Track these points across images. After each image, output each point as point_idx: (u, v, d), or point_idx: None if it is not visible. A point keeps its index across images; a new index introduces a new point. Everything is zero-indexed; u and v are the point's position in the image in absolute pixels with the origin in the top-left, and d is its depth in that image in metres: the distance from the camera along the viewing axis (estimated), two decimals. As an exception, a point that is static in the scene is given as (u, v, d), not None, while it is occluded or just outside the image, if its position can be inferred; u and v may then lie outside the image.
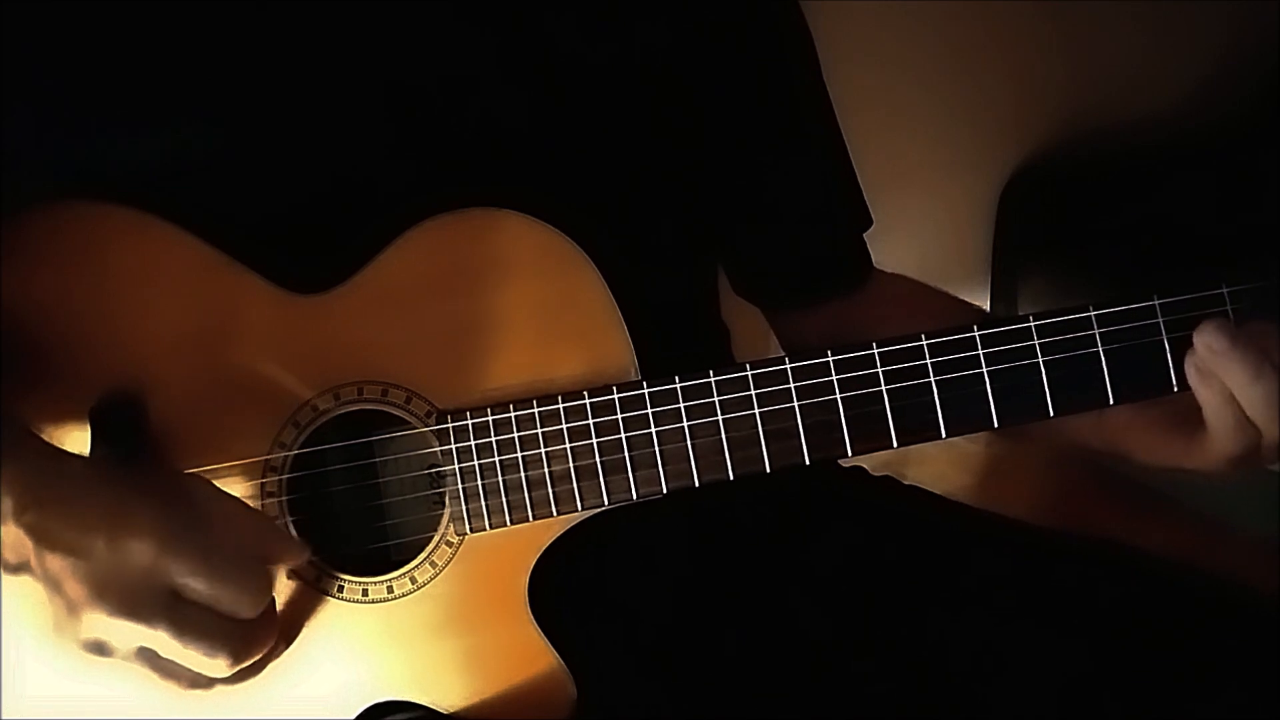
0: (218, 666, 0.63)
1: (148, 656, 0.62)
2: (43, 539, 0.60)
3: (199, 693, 0.65)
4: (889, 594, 0.81)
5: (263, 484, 0.70)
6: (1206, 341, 0.66)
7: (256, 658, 0.66)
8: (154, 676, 0.63)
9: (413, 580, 0.70)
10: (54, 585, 0.60)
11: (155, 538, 0.61)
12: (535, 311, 0.69)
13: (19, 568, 0.60)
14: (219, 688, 0.66)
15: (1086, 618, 0.77)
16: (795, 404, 0.68)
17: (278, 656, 0.69)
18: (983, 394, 0.67)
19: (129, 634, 0.61)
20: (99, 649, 0.61)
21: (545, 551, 0.70)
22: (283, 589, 0.69)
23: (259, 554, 0.65)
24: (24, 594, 0.61)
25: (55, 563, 0.60)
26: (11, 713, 0.68)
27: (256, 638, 0.66)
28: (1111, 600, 0.77)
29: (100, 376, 0.68)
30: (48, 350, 0.68)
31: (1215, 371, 0.66)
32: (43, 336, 0.68)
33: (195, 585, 0.62)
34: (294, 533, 0.69)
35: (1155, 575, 0.79)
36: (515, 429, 0.69)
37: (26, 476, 0.60)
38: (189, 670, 0.63)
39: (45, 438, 0.65)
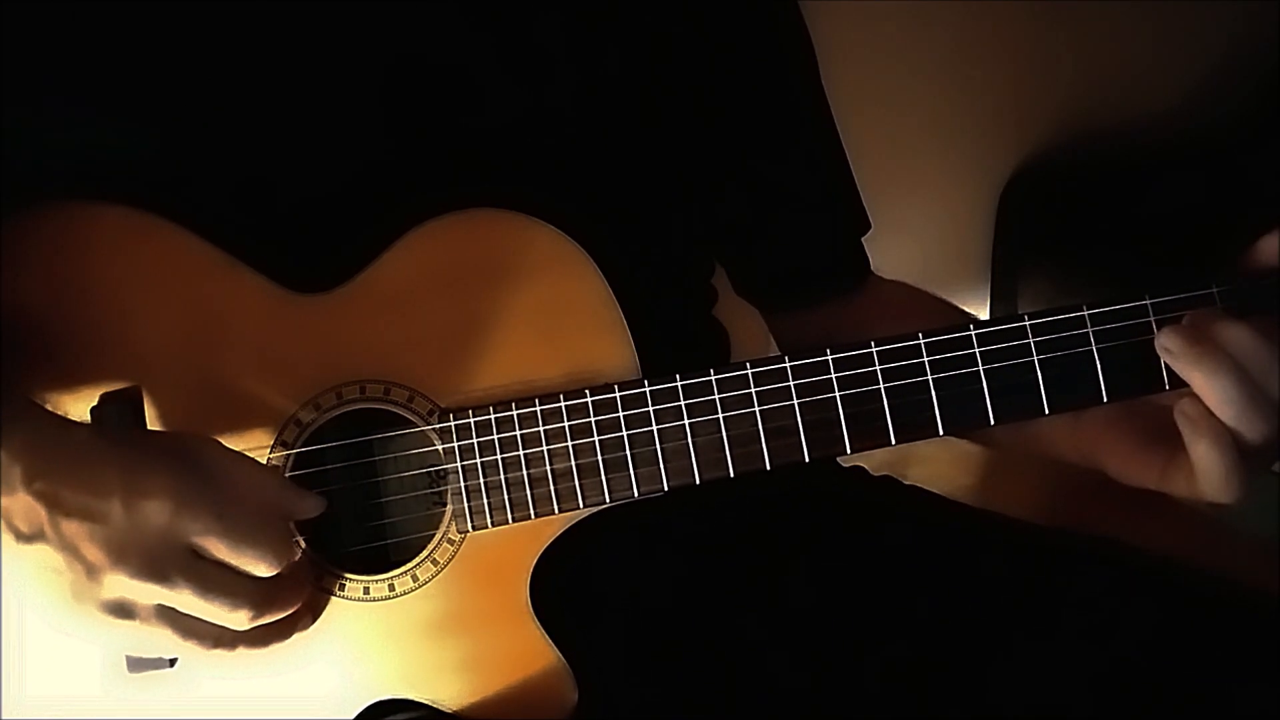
0: (239, 619, 0.63)
1: (168, 615, 0.62)
2: (56, 505, 0.60)
3: (220, 654, 0.64)
4: (889, 594, 0.81)
5: (265, 482, 0.69)
6: (1164, 344, 0.66)
7: (281, 614, 0.66)
8: (175, 637, 0.63)
9: (414, 578, 0.70)
10: (71, 551, 0.60)
11: (171, 497, 0.61)
12: (537, 311, 0.70)
13: (33, 536, 0.60)
14: (235, 657, 0.65)
15: (1087, 618, 0.77)
16: (795, 402, 0.68)
17: (305, 628, 0.69)
18: (979, 392, 0.68)
19: (150, 593, 0.61)
20: (121, 610, 0.61)
21: (547, 550, 0.70)
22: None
23: (274, 509, 0.65)
24: (28, 572, 0.61)
25: (71, 528, 0.60)
26: (11, 713, 0.68)
27: (280, 594, 0.65)
28: (1112, 600, 0.77)
29: (101, 376, 0.68)
30: (48, 351, 0.68)
31: (1179, 374, 0.66)
32: (43, 337, 0.68)
33: (214, 543, 0.62)
34: (295, 531, 0.69)
35: (1155, 575, 0.79)
36: (517, 427, 0.69)
37: (34, 445, 0.60)
38: (211, 627, 0.63)
39: None
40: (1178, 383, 0.67)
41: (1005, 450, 0.94)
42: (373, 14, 0.72)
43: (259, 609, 0.64)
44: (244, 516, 0.63)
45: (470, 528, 0.70)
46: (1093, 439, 0.73)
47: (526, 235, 0.69)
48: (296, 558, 0.68)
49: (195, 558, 0.62)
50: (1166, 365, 0.67)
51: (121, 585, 0.61)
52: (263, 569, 0.64)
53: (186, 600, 0.62)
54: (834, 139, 0.87)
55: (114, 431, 0.67)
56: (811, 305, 0.88)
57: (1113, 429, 0.72)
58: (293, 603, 0.67)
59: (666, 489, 0.69)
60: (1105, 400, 0.68)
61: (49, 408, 0.65)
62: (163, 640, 0.63)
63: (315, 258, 0.70)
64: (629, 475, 0.69)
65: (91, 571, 0.60)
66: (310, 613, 0.69)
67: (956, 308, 0.90)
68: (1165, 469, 0.69)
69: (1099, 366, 0.67)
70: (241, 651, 0.65)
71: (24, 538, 0.60)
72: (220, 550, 0.62)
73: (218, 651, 0.64)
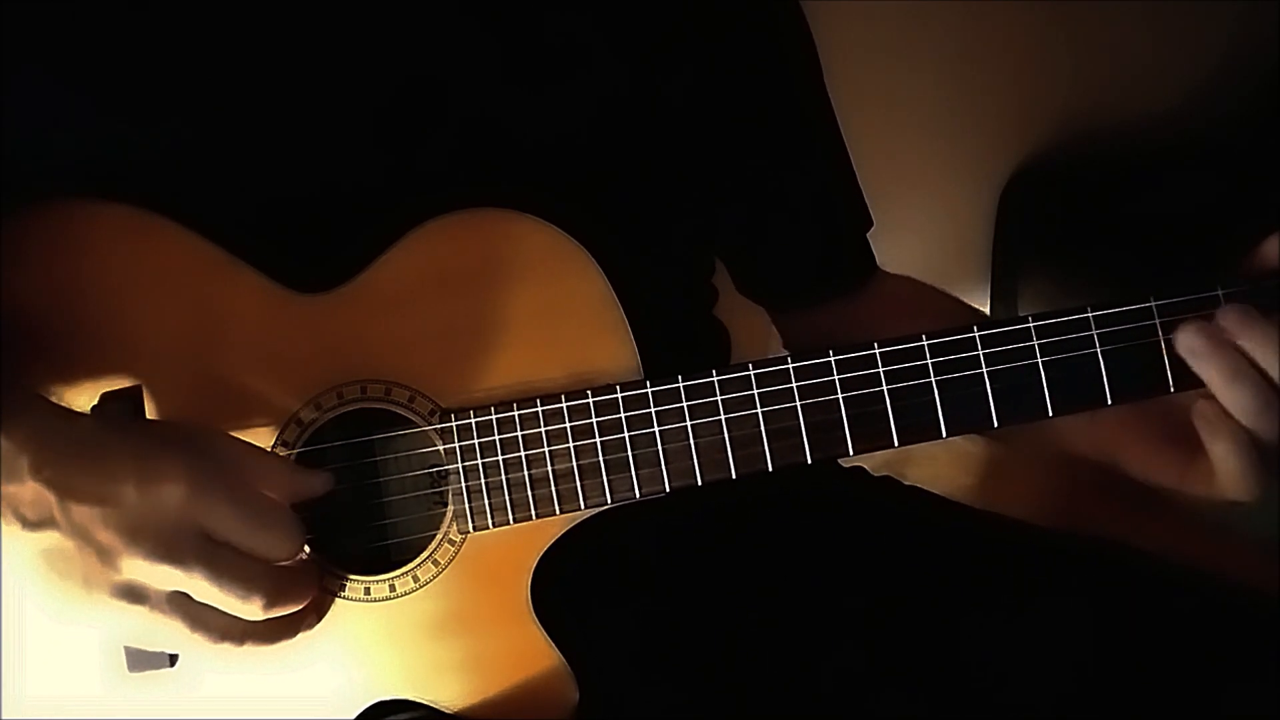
0: (252, 609, 0.63)
1: (180, 603, 0.62)
2: (65, 491, 0.59)
3: (226, 649, 0.64)
4: (889, 594, 0.81)
5: (266, 482, 0.69)
6: (1185, 344, 0.66)
7: (293, 607, 0.65)
8: (183, 626, 0.62)
9: (415, 579, 0.70)
10: (83, 535, 0.60)
11: (185, 481, 0.61)
12: (539, 311, 0.69)
13: (40, 523, 0.60)
14: (236, 655, 0.65)
15: (1087, 618, 0.77)
16: (797, 403, 0.68)
17: (310, 627, 0.68)
18: (983, 394, 0.68)
19: (164, 577, 0.61)
20: (132, 594, 0.61)
21: (548, 551, 0.70)
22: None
23: (284, 493, 0.65)
24: (35, 560, 0.61)
25: (82, 513, 0.60)
26: (11, 713, 0.68)
27: (292, 585, 0.65)
28: (1112, 600, 0.77)
29: (101, 375, 0.68)
30: (47, 350, 0.68)
31: (1197, 374, 0.66)
32: (44, 335, 0.68)
33: (227, 527, 0.62)
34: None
35: (1155, 575, 0.79)
36: (519, 427, 0.69)
37: (40, 434, 0.60)
38: (220, 618, 0.63)
39: None
40: (1182, 385, 0.67)
41: (1017, 446, 0.94)
42: (375, 14, 0.72)
43: (271, 598, 0.63)
44: (256, 501, 0.63)
45: (471, 528, 0.70)
46: (1111, 437, 0.73)
47: (527, 235, 0.69)
48: (306, 550, 0.68)
49: (209, 542, 0.62)
50: (1172, 367, 0.67)
51: (135, 568, 0.61)
52: (276, 553, 0.63)
53: (199, 585, 0.62)
54: (836, 137, 0.87)
55: (119, 422, 0.66)
56: (818, 302, 0.88)
57: (1131, 427, 0.72)
58: (304, 597, 0.66)
59: (668, 490, 0.69)
60: (1110, 403, 0.68)
61: (51, 403, 0.65)
62: (171, 630, 0.62)
63: (316, 257, 0.69)
64: (631, 476, 0.69)
65: (104, 555, 0.60)
66: (315, 611, 0.69)
67: (962, 302, 0.90)
68: (1185, 468, 0.69)
69: (1103, 368, 0.67)
70: (248, 647, 0.64)
71: (31, 525, 0.60)
72: (234, 533, 0.62)
73: (225, 645, 0.63)
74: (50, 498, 0.59)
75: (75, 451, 0.61)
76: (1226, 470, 0.66)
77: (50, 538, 0.60)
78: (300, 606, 0.66)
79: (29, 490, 0.59)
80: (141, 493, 0.60)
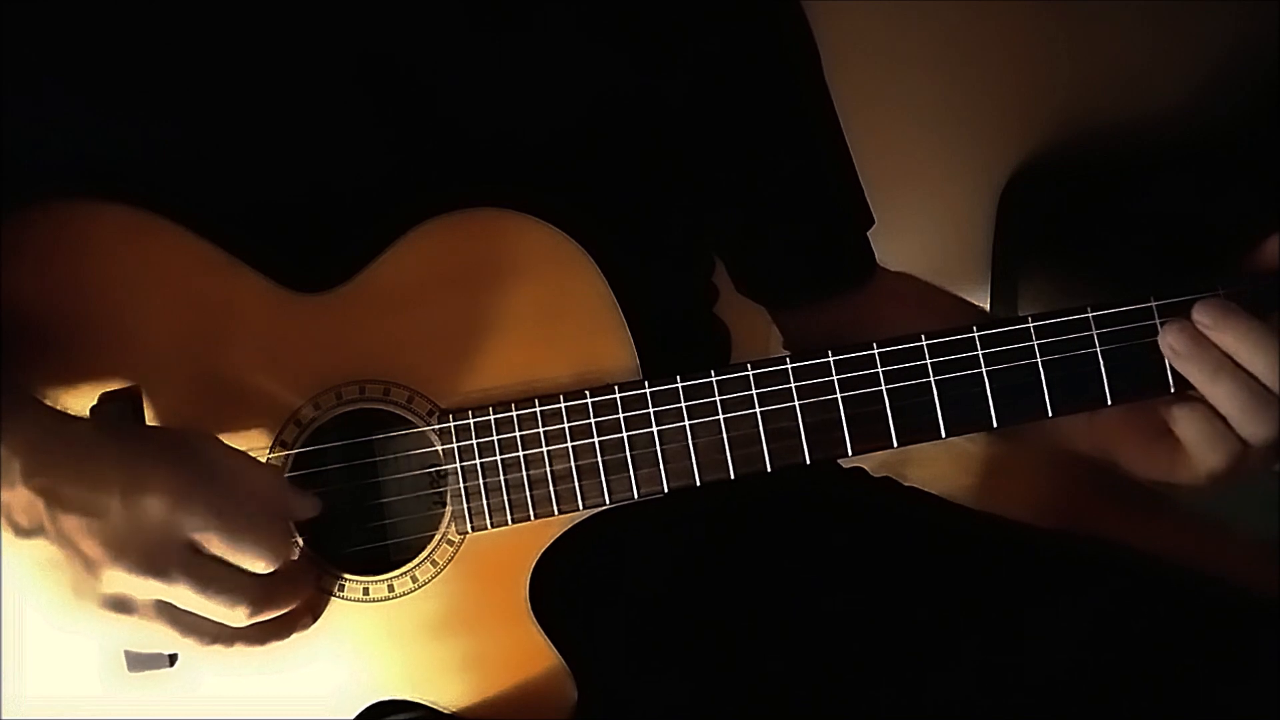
0: (238, 616, 0.63)
1: (167, 611, 0.62)
2: (55, 500, 0.60)
3: (218, 651, 0.64)
4: (888, 595, 0.81)
5: (265, 482, 0.69)
6: (1166, 344, 0.67)
7: (279, 612, 0.65)
8: (174, 633, 0.62)
9: (414, 579, 0.70)
10: (70, 546, 0.60)
11: (169, 493, 0.61)
12: (537, 311, 0.69)
13: (31, 531, 0.60)
14: (234, 655, 0.65)
15: (1087, 619, 0.77)
16: (796, 403, 0.68)
17: (305, 628, 0.69)
18: (982, 394, 0.68)
19: (149, 589, 0.61)
20: (119, 605, 0.61)
21: (546, 551, 0.70)
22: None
23: (271, 507, 0.65)
24: (28, 567, 0.61)
25: (70, 523, 0.60)
26: (11, 713, 0.68)
27: (279, 590, 0.65)
28: (1112, 601, 0.77)
29: (100, 375, 0.68)
30: (47, 350, 0.68)
31: (1182, 374, 0.66)
32: (42, 335, 0.68)
33: (211, 538, 0.62)
34: (294, 531, 0.69)
35: (1155, 575, 0.79)
36: (517, 428, 0.69)
37: (34, 440, 0.60)
38: (210, 623, 0.63)
39: None
40: (1183, 385, 0.67)
41: (1016, 445, 0.94)
42: (376, 15, 0.72)
43: (257, 605, 0.64)
44: (242, 512, 0.63)
45: (470, 529, 0.70)
46: (1108, 433, 0.73)
47: (526, 235, 0.69)
48: (294, 556, 0.68)
49: (194, 553, 0.62)
50: (1172, 368, 0.67)
51: (120, 580, 0.61)
52: (260, 565, 0.63)
53: (184, 596, 0.62)
54: (837, 135, 0.87)
55: (114, 427, 0.67)
56: (819, 300, 0.88)
57: (1128, 423, 0.72)
58: (291, 601, 0.66)
59: (667, 490, 0.69)
60: (1109, 403, 0.68)
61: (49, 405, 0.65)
62: (162, 636, 0.63)
63: (315, 257, 0.69)
64: (629, 476, 0.69)
65: (90, 566, 0.60)
66: (310, 612, 0.69)
67: (963, 300, 0.90)
68: (1174, 460, 0.70)
69: (1103, 369, 0.67)
70: (240, 649, 0.65)
71: (23, 532, 0.60)
72: (218, 546, 0.62)
73: (216, 648, 0.64)
74: (40, 506, 0.60)
75: (67, 459, 0.61)
76: (1196, 454, 0.67)
77: (41, 546, 0.60)
78: (287, 610, 0.66)
79: (21, 496, 0.59)
80: (126, 504, 0.60)
